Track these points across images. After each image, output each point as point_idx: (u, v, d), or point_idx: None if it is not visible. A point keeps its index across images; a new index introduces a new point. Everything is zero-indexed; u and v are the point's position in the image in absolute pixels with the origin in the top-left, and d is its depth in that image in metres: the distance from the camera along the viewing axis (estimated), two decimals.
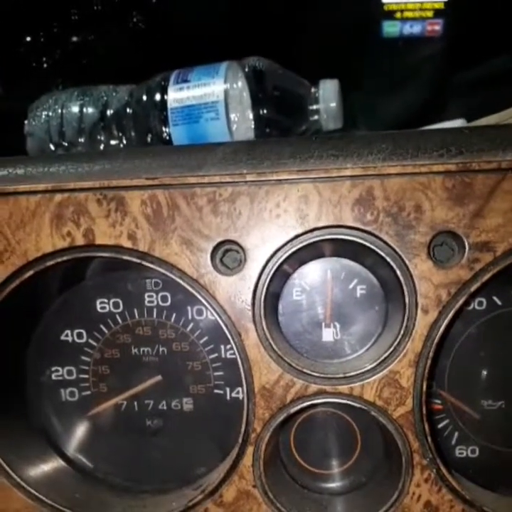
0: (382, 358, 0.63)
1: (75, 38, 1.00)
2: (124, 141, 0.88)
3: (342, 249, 0.68)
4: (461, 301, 0.60)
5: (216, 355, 0.77)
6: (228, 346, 0.75)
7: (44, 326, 0.77)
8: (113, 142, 0.88)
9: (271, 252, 0.62)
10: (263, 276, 0.63)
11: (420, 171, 0.58)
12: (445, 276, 0.60)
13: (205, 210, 0.61)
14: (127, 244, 0.63)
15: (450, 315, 0.61)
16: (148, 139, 0.86)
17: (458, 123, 0.85)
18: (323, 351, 0.73)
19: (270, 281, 0.63)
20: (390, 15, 1.18)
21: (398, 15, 1.17)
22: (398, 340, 0.62)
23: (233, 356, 0.66)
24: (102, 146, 0.89)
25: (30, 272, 0.66)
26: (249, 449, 0.66)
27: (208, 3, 1.00)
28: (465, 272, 0.60)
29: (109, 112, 0.87)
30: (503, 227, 0.58)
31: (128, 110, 0.86)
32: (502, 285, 0.67)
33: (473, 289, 0.60)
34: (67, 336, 0.78)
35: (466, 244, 0.59)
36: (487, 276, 0.59)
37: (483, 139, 0.58)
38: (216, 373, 0.77)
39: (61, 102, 0.89)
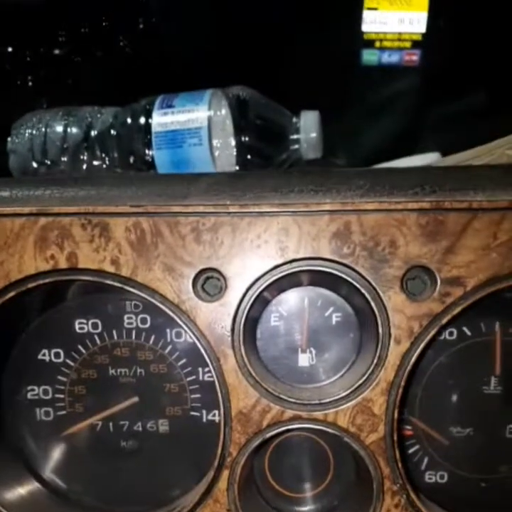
0: (356, 385, 0.64)
1: (61, 59, 1.01)
2: (107, 162, 0.88)
3: (319, 279, 0.69)
4: (432, 333, 0.62)
5: (194, 377, 0.77)
6: (206, 369, 0.76)
7: (22, 345, 0.77)
8: (95, 163, 0.89)
9: (251, 280, 0.63)
10: (243, 304, 0.64)
11: (396, 207, 0.60)
12: (417, 308, 0.62)
13: (188, 239, 0.63)
14: (110, 269, 0.64)
15: (422, 346, 0.63)
16: (131, 161, 0.87)
17: (432, 157, 0.88)
18: (299, 376, 0.74)
19: (250, 308, 0.64)
20: (369, 44, 1.22)
21: (377, 44, 1.21)
22: (371, 369, 0.64)
23: (211, 379, 0.67)
24: (84, 166, 0.89)
25: (12, 293, 0.66)
26: (225, 473, 0.67)
27: (194, 32, 1.02)
28: (436, 305, 0.62)
29: (92, 133, 0.88)
30: (474, 263, 0.61)
31: (112, 132, 0.87)
32: (472, 317, 0.70)
33: (444, 321, 0.62)
34: (44, 355, 0.78)
35: (438, 278, 0.61)
36: (457, 310, 0.62)
37: (455, 180, 0.61)
38: (193, 395, 0.78)
39: (45, 121, 0.89)
